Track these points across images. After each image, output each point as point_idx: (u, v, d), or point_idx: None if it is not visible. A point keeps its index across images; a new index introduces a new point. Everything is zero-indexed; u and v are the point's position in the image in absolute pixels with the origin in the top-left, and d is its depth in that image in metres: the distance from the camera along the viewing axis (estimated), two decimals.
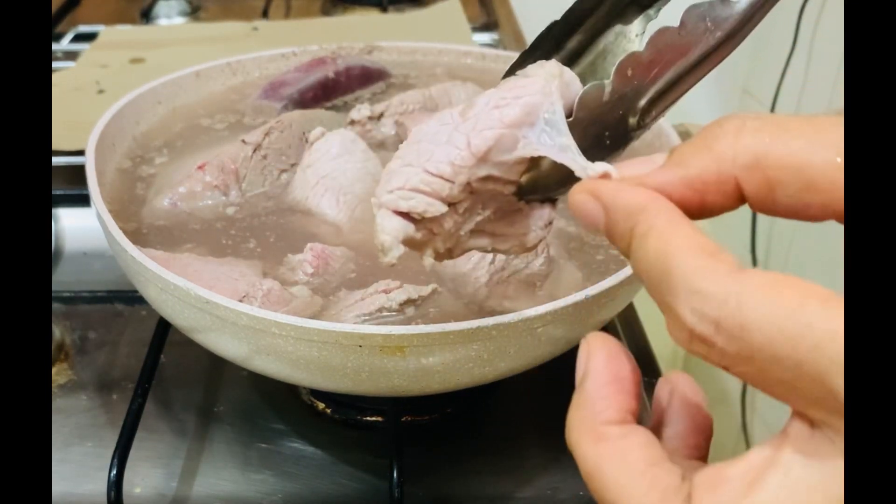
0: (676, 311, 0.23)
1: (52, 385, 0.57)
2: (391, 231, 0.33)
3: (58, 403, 0.56)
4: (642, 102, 0.32)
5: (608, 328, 0.61)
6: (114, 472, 0.47)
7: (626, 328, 0.62)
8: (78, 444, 0.53)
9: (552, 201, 0.36)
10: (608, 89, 0.32)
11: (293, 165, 0.57)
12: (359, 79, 0.68)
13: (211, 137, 0.61)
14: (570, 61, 0.36)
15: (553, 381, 0.58)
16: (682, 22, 0.32)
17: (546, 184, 0.34)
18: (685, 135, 0.55)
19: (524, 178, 0.33)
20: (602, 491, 0.25)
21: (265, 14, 1.13)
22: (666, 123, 0.56)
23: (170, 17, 1.13)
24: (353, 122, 0.61)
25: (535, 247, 0.36)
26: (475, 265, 0.47)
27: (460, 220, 0.34)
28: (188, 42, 0.99)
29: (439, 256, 0.35)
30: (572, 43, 0.37)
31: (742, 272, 0.22)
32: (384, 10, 1.12)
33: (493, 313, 0.41)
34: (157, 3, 1.14)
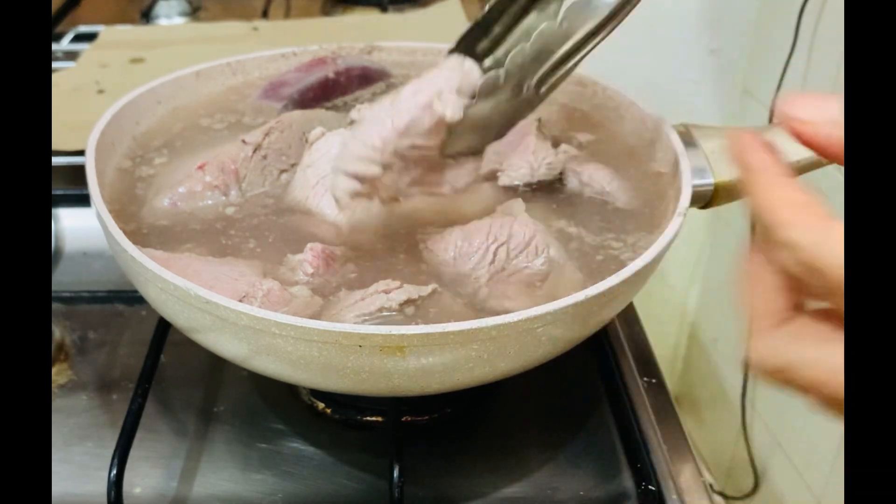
0: (777, 257, 0.29)
1: (52, 385, 0.57)
2: (342, 188, 0.45)
3: (58, 403, 0.56)
4: (533, 81, 0.46)
5: (608, 328, 0.61)
6: (114, 472, 0.47)
7: (626, 328, 0.62)
8: (78, 444, 0.53)
9: (477, 153, 0.49)
10: (502, 76, 0.45)
11: (293, 165, 0.57)
12: (359, 79, 0.68)
13: (211, 137, 0.61)
14: (495, 43, 0.48)
15: (553, 381, 0.58)
16: (563, 16, 0.45)
17: (462, 144, 0.47)
18: (685, 134, 0.55)
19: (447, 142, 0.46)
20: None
21: (265, 14, 1.13)
22: (666, 123, 0.56)
23: (170, 17, 1.13)
24: (353, 123, 0.61)
25: (466, 187, 0.49)
26: (475, 265, 0.47)
27: (395, 177, 0.46)
28: (188, 42, 0.99)
29: (385, 202, 0.47)
30: (497, 28, 0.48)
31: (828, 223, 0.28)
32: (384, 10, 1.12)
33: (493, 313, 0.41)
34: (158, 3, 1.14)
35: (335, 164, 0.45)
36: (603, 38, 0.46)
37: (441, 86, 0.44)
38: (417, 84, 0.45)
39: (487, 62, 0.48)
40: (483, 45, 0.49)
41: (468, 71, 0.45)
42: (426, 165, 0.46)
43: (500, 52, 0.48)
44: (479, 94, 0.44)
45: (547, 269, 0.48)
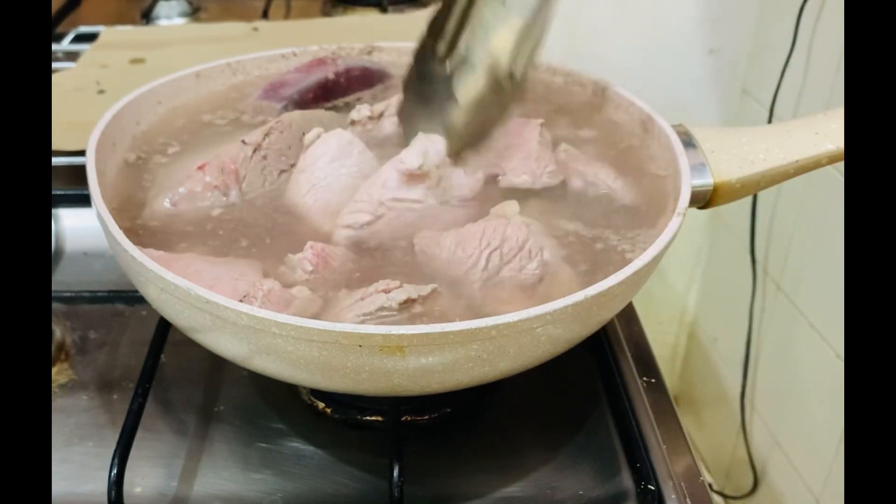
0: None
1: (53, 385, 0.57)
2: (343, 235, 0.51)
3: (58, 403, 0.56)
4: (506, 68, 0.49)
5: (608, 328, 0.61)
6: (114, 471, 0.47)
7: (626, 328, 0.62)
8: (78, 444, 0.53)
9: (479, 144, 0.54)
10: (480, 78, 0.50)
11: (292, 166, 0.57)
12: (359, 79, 0.68)
13: (212, 137, 0.61)
14: (453, 42, 0.50)
15: (553, 381, 0.58)
16: None
17: (464, 142, 0.53)
18: (684, 134, 0.55)
19: None
20: None
21: (265, 14, 1.13)
22: (665, 123, 0.57)
23: (170, 18, 1.14)
24: (353, 123, 0.61)
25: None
26: (468, 271, 0.47)
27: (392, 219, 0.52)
28: (188, 42, 0.99)
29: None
30: (450, 25, 0.50)
31: None
32: (384, 10, 1.12)
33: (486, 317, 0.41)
34: (158, 4, 1.14)
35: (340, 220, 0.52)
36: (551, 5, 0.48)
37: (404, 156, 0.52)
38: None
39: (450, 61, 0.52)
40: (441, 47, 0.52)
41: (432, 141, 0.52)
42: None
43: (460, 48, 0.51)
44: (469, 107, 0.51)
45: (540, 273, 0.48)
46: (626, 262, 0.46)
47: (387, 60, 0.71)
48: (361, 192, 0.52)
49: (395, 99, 0.62)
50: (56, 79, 0.88)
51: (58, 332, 0.61)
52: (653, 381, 0.58)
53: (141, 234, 0.51)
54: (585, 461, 0.52)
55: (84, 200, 0.50)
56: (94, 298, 0.65)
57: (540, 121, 0.58)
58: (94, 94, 0.86)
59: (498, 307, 0.46)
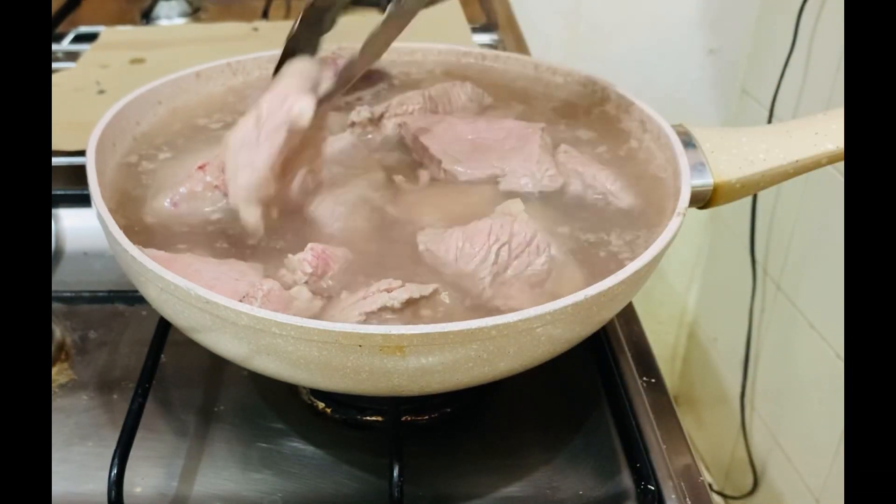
0: None
1: (53, 385, 0.57)
2: (249, 215, 0.50)
3: (58, 403, 0.56)
4: None
5: (608, 328, 0.61)
6: (114, 471, 0.47)
7: (626, 328, 0.62)
8: (78, 444, 0.53)
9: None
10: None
11: None
12: (359, 79, 0.68)
13: (211, 137, 0.61)
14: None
15: (553, 381, 0.58)
16: None
17: None
18: (684, 134, 0.55)
19: None
20: None
21: (265, 15, 1.13)
22: (665, 123, 0.57)
23: (170, 18, 1.14)
24: (353, 124, 0.61)
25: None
26: (477, 266, 0.47)
27: (286, 178, 0.51)
28: (188, 42, 0.99)
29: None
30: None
31: None
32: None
33: (497, 313, 0.41)
34: (158, 4, 1.14)
35: (233, 193, 0.49)
36: None
37: (287, 94, 0.49)
38: (272, 98, 0.49)
39: None
40: None
41: (307, 70, 0.51)
42: (305, 154, 0.51)
43: None
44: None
45: (549, 268, 0.48)
46: (625, 263, 0.46)
47: (387, 60, 0.71)
48: (252, 158, 0.49)
49: (395, 100, 0.62)
50: (56, 79, 0.88)
51: (58, 332, 0.61)
52: (653, 381, 0.58)
53: (141, 234, 0.51)
54: (585, 461, 0.52)
55: (84, 200, 0.50)
56: (94, 298, 0.65)
57: (541, 125, 0.58)
58: (94, 94, 0.86)
59: (508, 302, 0.46)
